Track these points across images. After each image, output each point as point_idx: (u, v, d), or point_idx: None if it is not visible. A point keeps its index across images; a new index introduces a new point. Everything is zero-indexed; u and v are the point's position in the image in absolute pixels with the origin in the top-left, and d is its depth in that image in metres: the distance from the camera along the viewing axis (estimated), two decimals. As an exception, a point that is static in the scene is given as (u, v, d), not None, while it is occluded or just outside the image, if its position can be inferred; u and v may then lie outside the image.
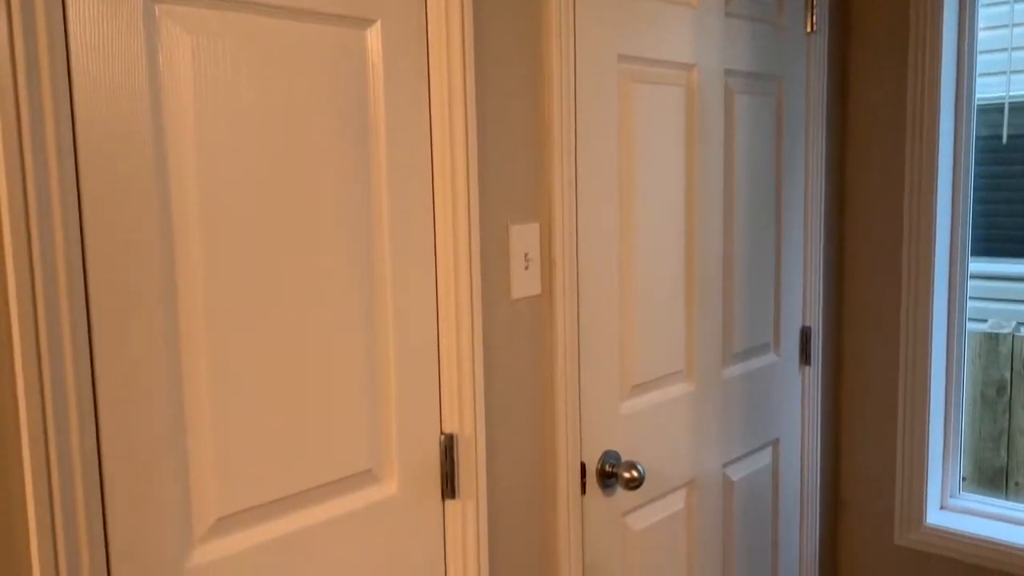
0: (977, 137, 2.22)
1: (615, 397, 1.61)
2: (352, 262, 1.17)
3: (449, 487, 1.31)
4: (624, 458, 1.63)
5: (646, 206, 1.65)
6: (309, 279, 1.11)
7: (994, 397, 2.64)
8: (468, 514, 1.31)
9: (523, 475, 1.43)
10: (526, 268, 1.40)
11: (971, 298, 2.28)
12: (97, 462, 0.93)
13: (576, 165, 1.48)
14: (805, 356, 2.16)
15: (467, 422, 1.31)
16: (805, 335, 2.15)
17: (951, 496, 2.31)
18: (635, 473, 1.56)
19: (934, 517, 2.24)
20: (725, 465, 1.93)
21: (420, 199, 1.25)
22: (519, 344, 1.41)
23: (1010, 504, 2.26)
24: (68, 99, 0.89)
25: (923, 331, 2.18)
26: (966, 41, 2.16)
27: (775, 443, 2.10)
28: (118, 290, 0.94)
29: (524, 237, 1.39)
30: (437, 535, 1.31)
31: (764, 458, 2.06)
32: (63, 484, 0.89)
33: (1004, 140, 2.36)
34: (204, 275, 1.01)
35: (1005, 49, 2.37)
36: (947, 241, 2.21)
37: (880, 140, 2.21)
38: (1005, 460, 2.57)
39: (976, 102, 2.20)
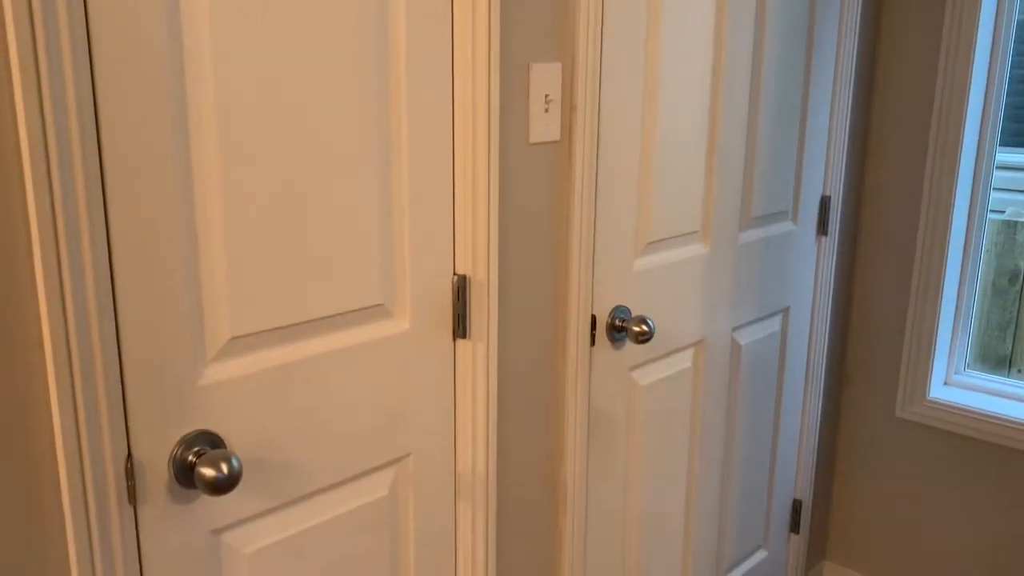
0: (1018, 23, 2.12)
1: (629, 252, 1.60)
2: (368, 98, 1.13)
3: (460, 327, 1.31)
4: (635, 314, 1.63)
5: (672, 57, 1.58)
6: (324, 112, 1.08)
7: (1006, 286, 2.62)
8: (478, 355, 1.32)
9: (534, 321, 1.44)
10: (546, 111, 1.36)
11: (993, 189, 2.23)
12: (109, 275, 0.92)
13: (603, 2, 1.41)
14: (823, 226, 2.13)
15: (480, 264, 1.30)
16: (824, 205, 2.12)
17: (956, 374, 2.32)
18: (645, 327, 1.56)
19: (938, 392, 2.27)
20: (734, 329, 1.93)
21: (438, 32, 1.20)
22: (535, 191, 1.39)
23: (1012, 381, 2.27)
24: None
25: (944, 210, 2.14)
26: None
27: (785, 311, 2.09)
28: (130, 98, 0.91)
29: (545, 77, 1.34)
30: (447, 374, 1.32)
31: (773, 325, 2.07)
32: (76, 309, 0.89)
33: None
34: (215, 98, 0.98)
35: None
36: (977, 122, 2.14)
37: (917, 12, 2.10)
38: (1010, 348, 2.57)
39: (1025, -34, 2.08)
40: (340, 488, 1.21)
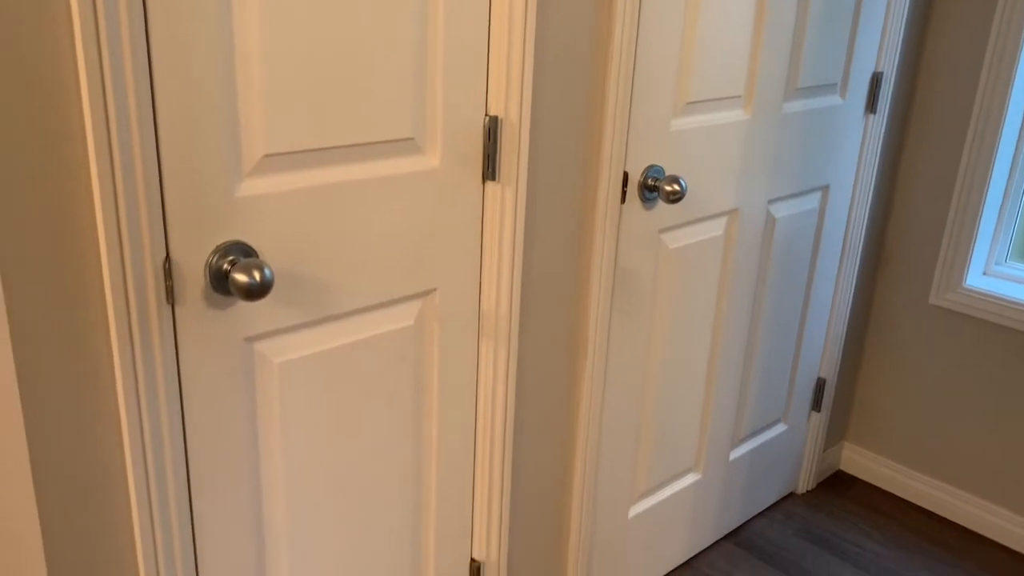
0: None
1: (667, 111, 1.59)
2: (405, -85, 1.12)
3: (490, 169, 1.34)
4: (668, 174, 1.64)
5: (725, -94, 1.53)
6: (359, -74, 1.08)
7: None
8: (506, 198, 1.35)
9: (564, 171, 1.45)
10: (587, -48, 1.33)
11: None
12: (149, 82, 0.96)
13: None
14: (872, 103, 2.08)
15: (513, 106, 1.31)
16: (875, 81, 2.06)
17: (996, 264, 2.29)
18: (677, 187, 1.57)
19: (975, 281, 2.25)
20: (770, 201, 1.93)
21: None
22: (574, 35, 1.38)
23: (1055, 274, 2.24)
24: None
25: (1001, 95, 2.07)
26: None
27: (825, 189, 2.07)
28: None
29: (588, -84, 1.31)
30: (475, 215, 1.35)
31: (811, 202, 2.05)
32: (119, 116, 0.93)
33: None
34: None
35: None
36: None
37: None
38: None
39: None
40: (367, 313, 1.27)
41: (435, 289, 1.34)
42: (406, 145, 1.23)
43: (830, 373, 2.33)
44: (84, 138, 0.94)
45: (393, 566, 1.45)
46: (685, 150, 1.65)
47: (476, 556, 1.57)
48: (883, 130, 2.14)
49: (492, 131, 1.32)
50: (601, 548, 1.84)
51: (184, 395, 1.10)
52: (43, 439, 1.00)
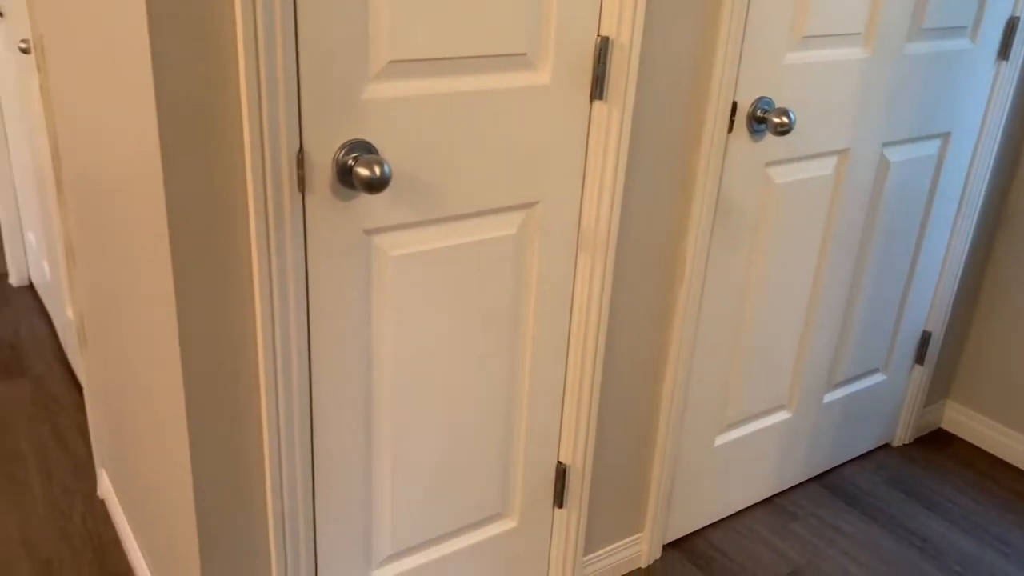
0: None
1: (782, 43, 1.60)
2: None
3: (598, 89, 1.40)
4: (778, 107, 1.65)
5: None
6: None
7: None
8: (612, 118, 1.41)
9: (673, 96, 1.50)
10: None
11: None
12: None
13: None
14: (1005, 49, 2.00)
15: (624, 27, 1.36)
16: (1011, 26, 1.98)
17: None
18: (785, 119, 1.58)
19: (1103, 241, 2.15)
20: (885, 144, 1.90)
21: None
22: (689, -37, 1.41)
23: None
24: None
25: None
26: None
27: (945, 136, 2.03)
28: None
29: None
30: (581, 132, 1.42)
31: (929, 148, 2.01)
32: (265, 17, 1.04)
33: None
34: None
35: None
36: None
37: None
38: None
39: None
40: (473, 219, 1.36)
41: (538, 202, 1.42)
42: (519, 60, 1.31)
43: (937, 328, 2.29)
44: (235, 41, 1.06)
45: (485, 460, 1.56)
46: (798, 84, 1.66)
47: (562, 459, 1.67)
48: (1016, 79, 2.06)
49: (602, 51, 1.37)
50: (684, 471, 1.91)
51: (309, 277, 1.23)
52: (189, 309, 1.15)
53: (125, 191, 1.29)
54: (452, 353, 1.43)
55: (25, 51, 2.04)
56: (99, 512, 2.00)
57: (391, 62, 1.19)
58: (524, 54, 1.31)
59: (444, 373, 1.44)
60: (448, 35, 1.22)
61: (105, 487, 2.01)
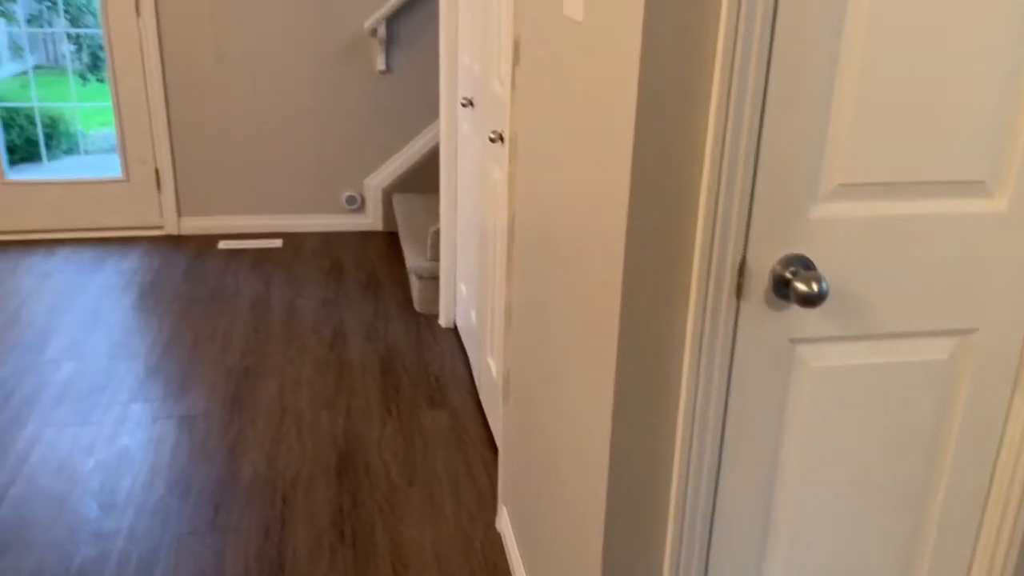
0: None
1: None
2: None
3: (1063, 221, 1.31)
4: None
5: None
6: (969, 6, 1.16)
7: None
8: (1077, 252, 1.31)
9: None
10: None
11: None
12: (761, 110, 1.17)
13: None
14: None
15: (1104, 159, 1.26)
16: None
17: None
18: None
19: None
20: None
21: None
22: None
23: None
24: None
25: None
26: None
27: None
28: (803, -30, 1.11)
29: None
30: (1036, 264, 1.33)
31: None
32: (732, 137, 1.16)
33: None
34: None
35: None
36: None
37: None
38: None
39: None
40: (903, 339, 1.35)
41: (976, 329, 1.36)
42: (975, 187, 1.28)
43: None
44: (702, 159, 1.19)
45: (877, 585, 1.51)
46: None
47: (966, 606, 1.54)
48: None
49: (1074, 182, 1.29)
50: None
51: (732, 375, 1.31)
52: (624, 388, 1.29)
53: (579, 275, 1.48)
54: (860, 469, 1.41)
55: (493, 140, 2.42)
56: (495, 542, 2.25)
57: (841, 184, 1.23)
58: (982, 182, 1.27)
59: (849, 487, 1.42)
60: (903, 159, 1.24)
61: (504, 521, 2.26)
